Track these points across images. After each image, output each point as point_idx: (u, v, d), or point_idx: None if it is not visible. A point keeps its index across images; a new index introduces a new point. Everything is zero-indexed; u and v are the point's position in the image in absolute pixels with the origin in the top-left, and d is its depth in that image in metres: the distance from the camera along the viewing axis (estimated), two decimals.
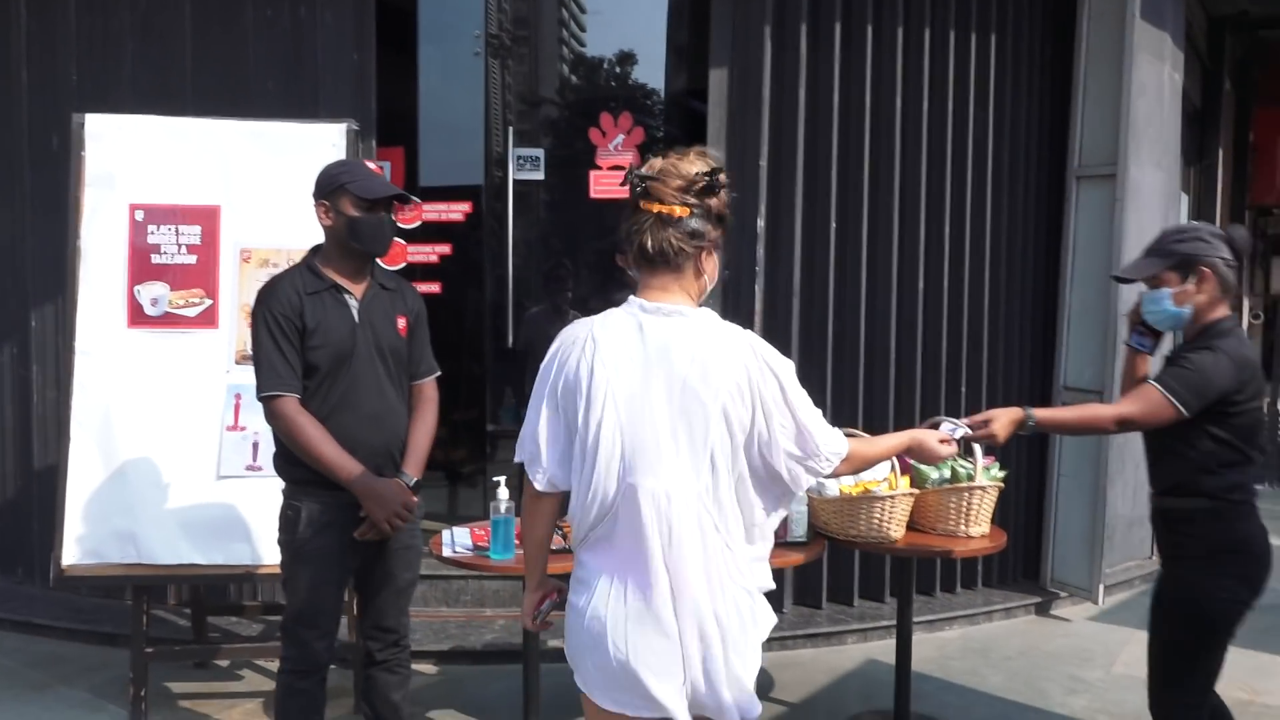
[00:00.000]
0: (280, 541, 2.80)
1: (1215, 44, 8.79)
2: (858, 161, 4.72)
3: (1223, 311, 2.59)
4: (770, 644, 4.30)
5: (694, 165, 1.93)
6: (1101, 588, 4.98)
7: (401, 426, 2.88)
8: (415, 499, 2.84)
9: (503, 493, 3.17)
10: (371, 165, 2.90)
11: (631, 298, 1.97)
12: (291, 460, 2.74)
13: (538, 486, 2.00)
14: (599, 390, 1.90)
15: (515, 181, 5.12)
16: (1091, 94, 5.05)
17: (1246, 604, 2.64)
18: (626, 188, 1.96)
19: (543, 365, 2.00)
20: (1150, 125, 5.19)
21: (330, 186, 2.77)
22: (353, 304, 2.79)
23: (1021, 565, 5.19)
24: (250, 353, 2.80)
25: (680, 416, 1.89)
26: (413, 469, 2.87)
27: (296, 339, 2.70)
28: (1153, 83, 5.22)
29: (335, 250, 2.79)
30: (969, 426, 2.69)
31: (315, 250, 2.85)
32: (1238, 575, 2.60)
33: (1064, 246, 5.14)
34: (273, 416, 2.71)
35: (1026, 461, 5.14)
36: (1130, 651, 4.46)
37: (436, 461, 5.88)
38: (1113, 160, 4.92)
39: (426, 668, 4.27)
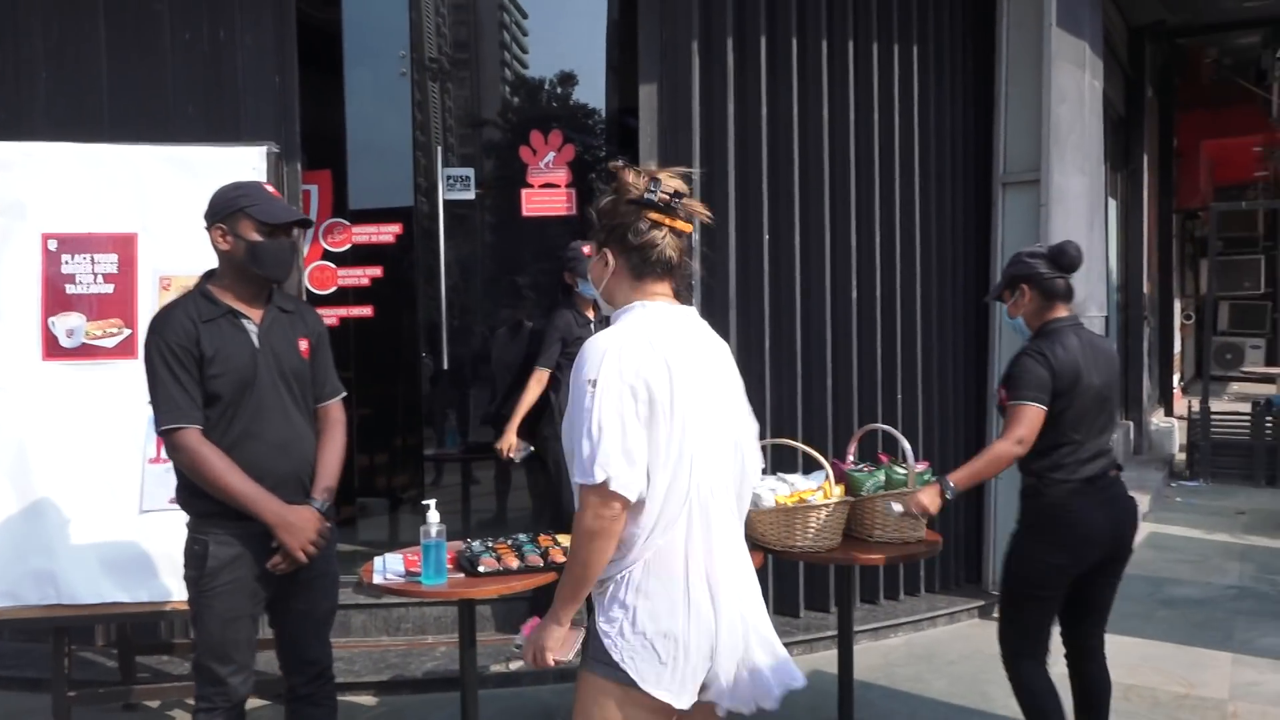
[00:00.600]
0: (187, 577, 2.73)
1: (1136, 52, 9.04)
2: (787, 172, 4.75)
3: (1055, 314, 3.12)
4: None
5: (679, 183, 2.09)
6: None
7: (310, 452, 2.82)
8: (328, 524, 2.79)
9: (433, 516, 3.11)
10: (270, 189, 2.83)
11: (649, 302, 2.07)
12: (196, 493, 2.68)
13: (631, 498, 1.92)
14: (685, 403, 1.98)
15: (446, 202, 5.07)
16: (1013, 102, 5.14)
17: (1063, 569, 3.09)
18: (643, 195, 2.04)
19: (603, 381, 1.92)
20: (1072, 132, 5.29)
21: (228, 210, 2.71)
22: (251, 329, 2.73)
23: (964, 570, 5.23)
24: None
25: (728, 414, 2.10)
26: (322, 493, 2.81)
27: (194, 368, 2.64)
28: (1073, 90, 5.33)
29: (232, 275, 2.74)
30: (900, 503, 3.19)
31: (209, 275, 2.79)
32: (1052, 543, 3.05)
33: (993, 252, 5.22)
34: (174, 450, 2.64)
35: None
36: None
37: (375, 488, 5.82)
38: (1036, 166, 5.02)
39: (366, 699, 4.18)
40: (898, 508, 3.21)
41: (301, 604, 2.82)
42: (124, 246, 3.65)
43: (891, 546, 3.45)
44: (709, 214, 2.15)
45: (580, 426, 1.93)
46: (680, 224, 2.07)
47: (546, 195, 5.00)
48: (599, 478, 1.90)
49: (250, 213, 2.68)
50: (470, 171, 5.21)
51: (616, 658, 1.97)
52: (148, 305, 3.62)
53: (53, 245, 3.61)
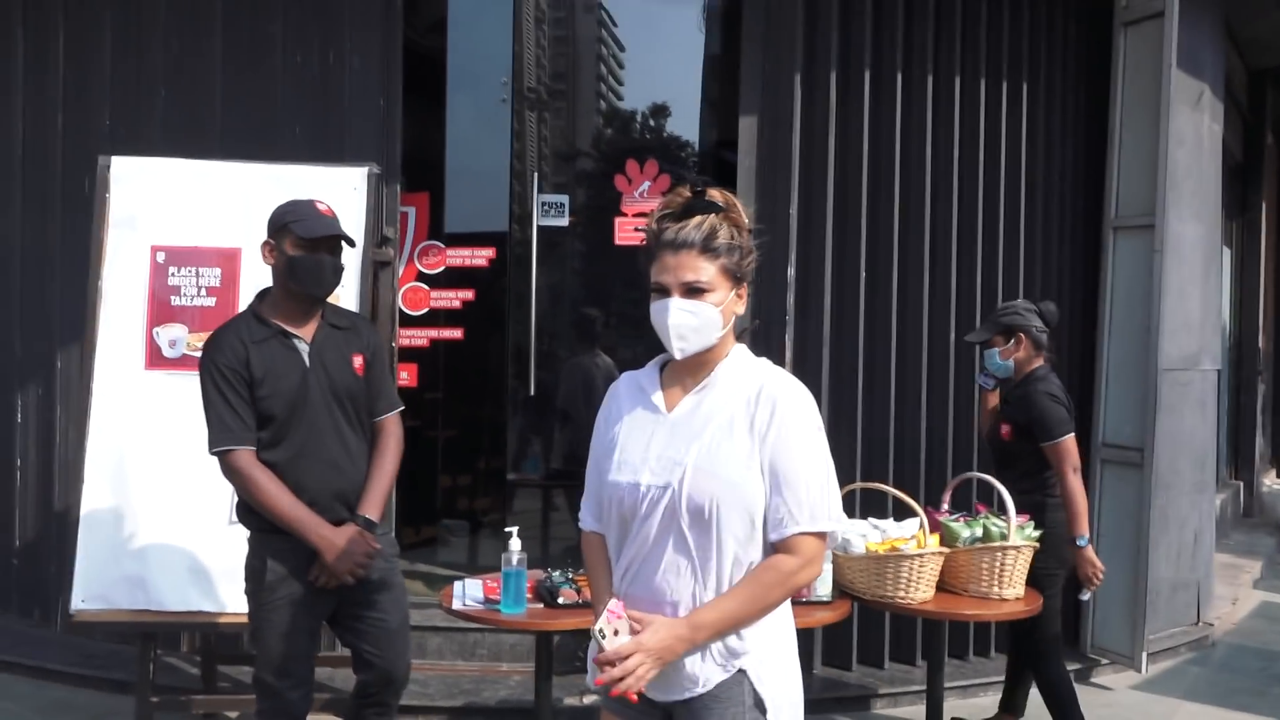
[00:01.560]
0: (247, 592, 2.77)
1: (1256, 96, 8.68)
2: (888, 211, 4.64)
3: (1037, 363, 3.69)
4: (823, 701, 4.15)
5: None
6: (1145, 655, 4.76)
7: (363, 469, 2.84)
8: (377, 544, 2.79)
9: (515, 544, 3.08)
10: (321, 206, 2.83)
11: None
12: (252, 510, 2.72)
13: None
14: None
15: (541, 228, 5.09)
16: (1128, 145, 4.94)
17: (1057, 573, 3.62)
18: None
19: (820, 425, 1.85)
20: (1189, 177, 5.06)
21: (275, 226, 2.76)
22: (302, 348, 2.76)
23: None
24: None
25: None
26: (372, 510, 2.81)
27: (245, 390, 2.67)
28: (1191, 133, 5.11)
29: (280, 293, 2.79)
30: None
31: (261, 296, 2.83)
32: (1061, 553, 3.60)
33: (1101, 299, 5.00)
34: (228, 471, 2.69)
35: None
36: None
37: (457, 510, 5.82)
38: (1150, 211, 4.79)
39: None
40: (1086, 596, 3.82)
41: (373, 616, 2.84)
42: (227, 261, 3.73)
43: (989, 603, 3.29)
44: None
45: (816, 472, 1.80)
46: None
47: (639, 224, 5.00)
48: (830, 527, 1.81)
49: (293, 228, 2.73)
50: (565, 198, 5.23)
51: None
52: None
53: (160, 257, 3.71)
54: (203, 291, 3.71)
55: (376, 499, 2.84)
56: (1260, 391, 9.03)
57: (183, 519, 3.57)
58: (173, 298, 3.70)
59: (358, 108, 4.50)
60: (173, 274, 3.71)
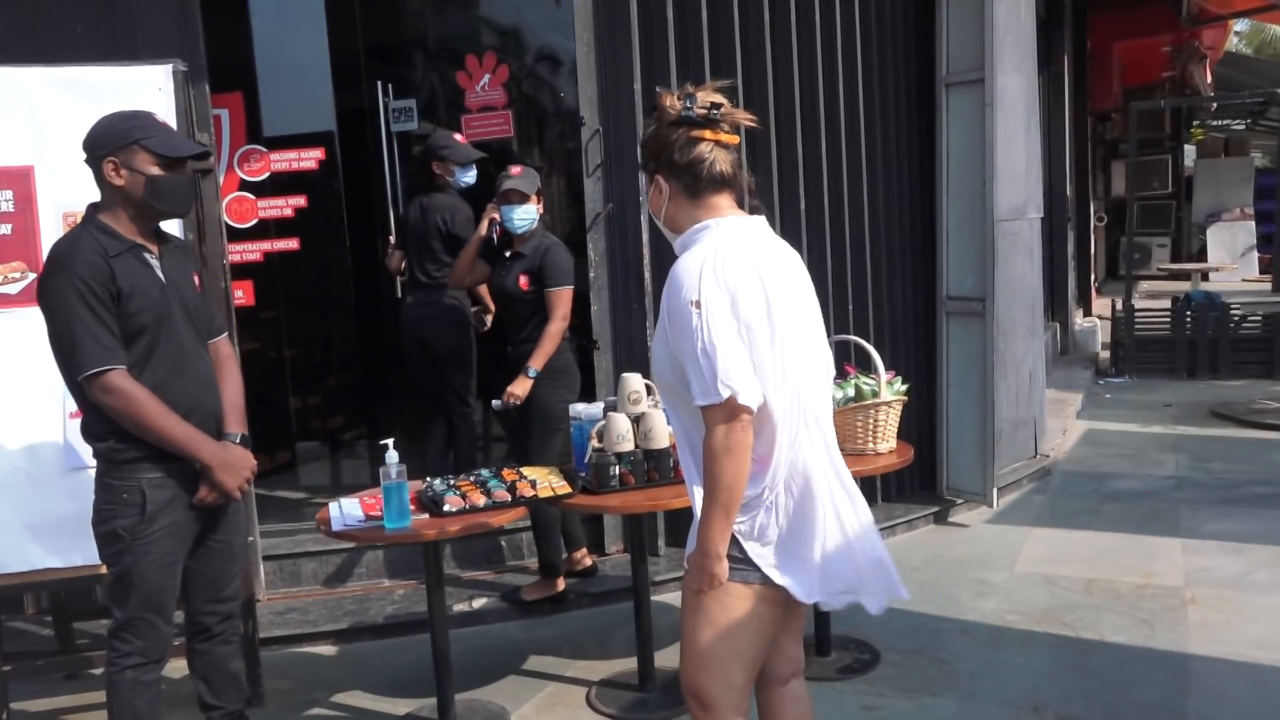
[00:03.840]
0: (117, 529, 2.58)
1: None
2: (730, 77, 4.54)
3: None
4: (666, 584, 4.24)
5: (718, 96, 2.06)
6: (995, 491, 5.09)
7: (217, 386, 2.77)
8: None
9: (392, 456, 2.94)
10: (160, 119, 2.68)
11: (720, 218, 2.06)
12: (124, 438, 2.55)
13: (754, 407, 1.93)
14: (779, 307, 2.00)
15: (392, 135, 4.95)
16: (955, 1, 5.01)
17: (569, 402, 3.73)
18: (680, 114, 2.04)
19: (705, 299, 1.93)
20: (1010, 31, 5.19)
21: (121, 142, 2.56)
22: (155, 264, 2.62)
23: (918, 477, 5.25)
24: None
25: (811, 320, 2.12)
26: (240, 426, 2.78)
27: (113, 305, 2.50)
28: None
29: (128, 210, 2.59)
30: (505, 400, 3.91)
31: (96, 208, 2.63)
32: (567, 388, 4.00)
33: (938, 155, 5.13)
34: (105, 393, 2.49)
35: (916, 374, 5.17)
36: (1029, 550, 4.58)
37: (312, 431, 5.57)
38: (979, 67, 4.90)
39: (325, 649, 4.02)
40: (497, 404, 3.92)
41: (220, 539, 2.78)
42: (20, 181, 3.30)
43: (864, 459, 3.39)
44: (754, 120, 2.12)
45: (689, 348, 1.93)
46: (725, 136, 2.06)
47: (486, 119, 4.87)
48: (724, 394, 1.90)
49: (147, 145, 2.57)
50: (412, 102, 5.13)
51: (764, 565, 2.03)
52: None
53: None
54: None
55: (240, 415, 2.80)
56: (1069, 238, 9.63)
57: (10, 471, 3.24)
58: None
59: (147, 2, 4.02)
60: None
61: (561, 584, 4.18)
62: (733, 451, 1.92)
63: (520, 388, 3.89)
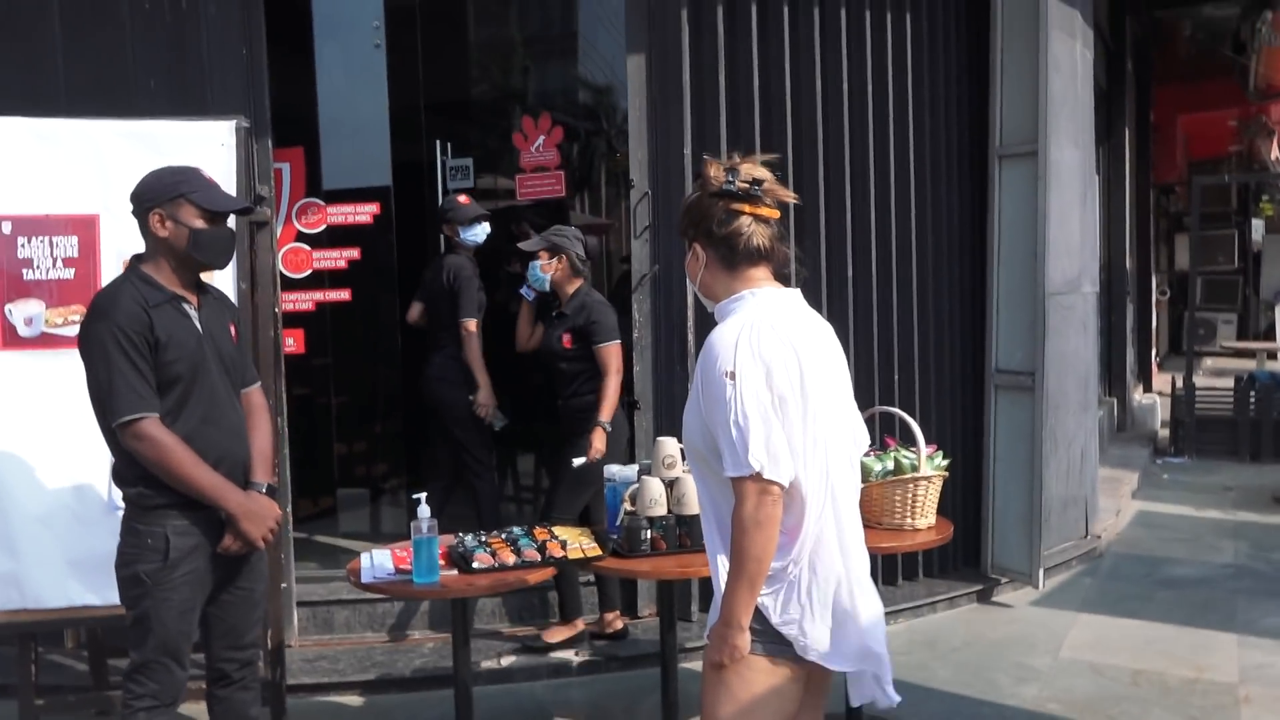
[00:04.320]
0: (140, 573, 2.63)
1: (1116, 23, 8.94)
2: (780, 146, 4.58)
3: (578, 283, 4.18)
4: (697, 651, 4.16)
5: (762, 170, 2.09)
6: (1041, 571, 4.95)
7: (248, 439, 2.84)
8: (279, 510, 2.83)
9: (423, 511, 2.96)
10: (207, 175, 2.81)
11: (756, 289, 2.08)
12: (154, 484, 2.61)
13: (785, 483, 1.95)
14: (813, 381, 2.01)
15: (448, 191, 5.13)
16: (1009, 74, 5.00)
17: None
18: (722, 187, 2.06)
19: (740, 371, 1.95)
20: (1065, 103, 5.17)
21: (168, 195, 2.67)
22: (193, 314, 2.71)
23: (962, 553, 5.13)
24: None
25: (842, 396, 2.13)
26: (267, 476, 2.83)
27: (149, 355, 2.58)
28: (1066, 60, 5.20)
29: (170, 261, 2.69)
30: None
31: (140, 259, 2.73)
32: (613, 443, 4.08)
33: (989, 227, 5.09)
34: (138, 440, 2.56)
35: (962, 447, 5.08)
36: (1075, 635, 4.43)
37: (355, 478, 5.63)
38: (1033, 139, 4.88)
39: (352, 699, 4.01)
40: (579, 462, 3.93)
41: (242, 586, 2.82)
42: (85, 229, 3.43)
43: (903, 534, 3.33)
44: (795, 198, 2.17)
45: (722, 419, 1.94)
46: (764, 210, 2.08)
47: (539, 179, 5.01)
48: (755, 467, 1.91)
49: (193, 199, 2.67)
50: (469, 161, 5.29)
51: (788, 638, 2.02)
52: None
53: (6, 228, 3.38)
54: (59, 263, 3.41)
55: (268, 465, 2.85)
56: (1129, 311, 9.45)
57: (57, 508, 3.32)
58: (25, 271, 3.38)
59: (218, 58, 4.18)
60: (23, 245, 3.38)
61: (581, 624, 4.24)
62: (762, 525, 1.92)
63: (600, 440, 4.00)
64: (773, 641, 2.02)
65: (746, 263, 2.09)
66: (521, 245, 4.18)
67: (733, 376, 1.94)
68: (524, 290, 4.35)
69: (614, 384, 4.05)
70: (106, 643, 3.83)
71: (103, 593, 3.28)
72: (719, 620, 2.01)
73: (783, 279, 2.16)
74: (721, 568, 2.05)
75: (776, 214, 2.11)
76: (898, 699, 2.11)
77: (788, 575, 2.01)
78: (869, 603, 2.10)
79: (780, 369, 1.97)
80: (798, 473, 1.97)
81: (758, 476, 1.91)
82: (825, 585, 2.03)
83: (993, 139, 5.07)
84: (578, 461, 3.95)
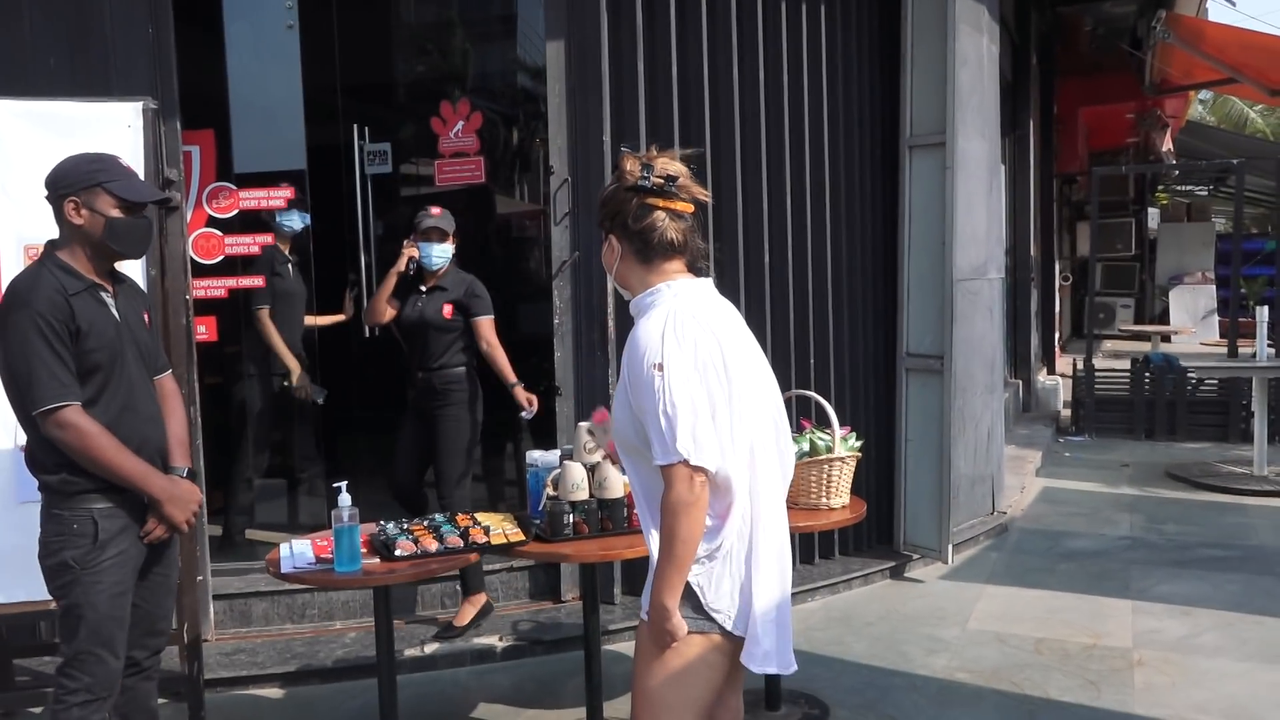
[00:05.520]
0: (67, 559, 2.59)
1: (1022, 19, 9.23)
2: (698, 134, 4.64)
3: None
4: (621, 633, 4.24)
5: (677, 165, 2.14)
6: (950, 547, 5.13)
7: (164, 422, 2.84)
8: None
9: (344, 499, 2.94)
10: (125, 164, 2.77)
11: (671, 281, 2.12)
12: (75, 471, 2.59)
13: (713, 469, 2.00)
14: (735, 368, 2.08)
15: (366, 177, 5.23)
16: (919, 66, 5.14)
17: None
18: (637, 182, 2.09)
19: (668, 362, 2.00)
20: (973, 95, 5.34)
21: (84, 184, 2.63)
22: (110, 303, 2.69)
23: (875, 531, 5.28)
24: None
25: (763, 378, 2.18)
26: (186, 460, 2.84)
27: (70, 342, 2.56)
28: (973, 54, 5.37)
29: (86, 249, 2.67)
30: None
31: (55, 245, 2.69)
32: (486, 407, 4.37)
33: (900, 215, 5.24)
34: (60, 428, 2.54)
35: (875, 429, 5.23)
36: (982, 607, 4.61)
37: (273, 468, 5.52)
38: (942, 130, 5.02)
39: (271, 691, 3.96)
40: (526, 415, 4.32)
41: (160, 571, 2.82)
42: None
43: (819, 513, 3.42)
44: (709, 196, 2.22)
45: (651, 409, 2.00)
46: (679, 205, 2.12)
47: (457, 165, 5.00)
48: (683, 454, 1.97)
49: (110, 189, 2.66)
50: (388, 146, 5.33)
51: (719, 616, 2.08)
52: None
53: None
54: None
55: (185, 449, 2.87)
56: (1033, 296, 9.80)
57: None
58: None
59: (122, 36, 4.05)
60: None
61: (484, 598, 4.34)
62: (690, 508, 1.99)
63: (524, 394, 4.32)
64: (705, 618, 2.09)
65: (660, 256, 2.14)
66: (438, 225, 4.25)
67: (661, 369, 2.00)
68: (411, 266, 4.34)
69: (501, 350, 4.29)
70: (11, 641, 3.72)
71: (8, 589, 3.20)
72: (651, 603, 2.08)
73: (696, 270, 2.21)
74: (654, 543, 2.11)
75: (691, 209, 2.15)
76: (795, 667, 2.19)
77: (719, 554, 2.08)
78: (787, 580, 2.19)
79: (705, 358, 2.04)
80: (725, 458, 2.03)
81: (685, 463, 1.97)
82: (753, 565, 2.10)
83: (903, 130, 5.21)
84: (525, 414, 4.32)
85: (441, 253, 4.26)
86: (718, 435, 2.02)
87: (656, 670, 2.09)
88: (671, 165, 2.13)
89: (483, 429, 4.41)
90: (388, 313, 4.36)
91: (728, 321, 2.16)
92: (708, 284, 2.20)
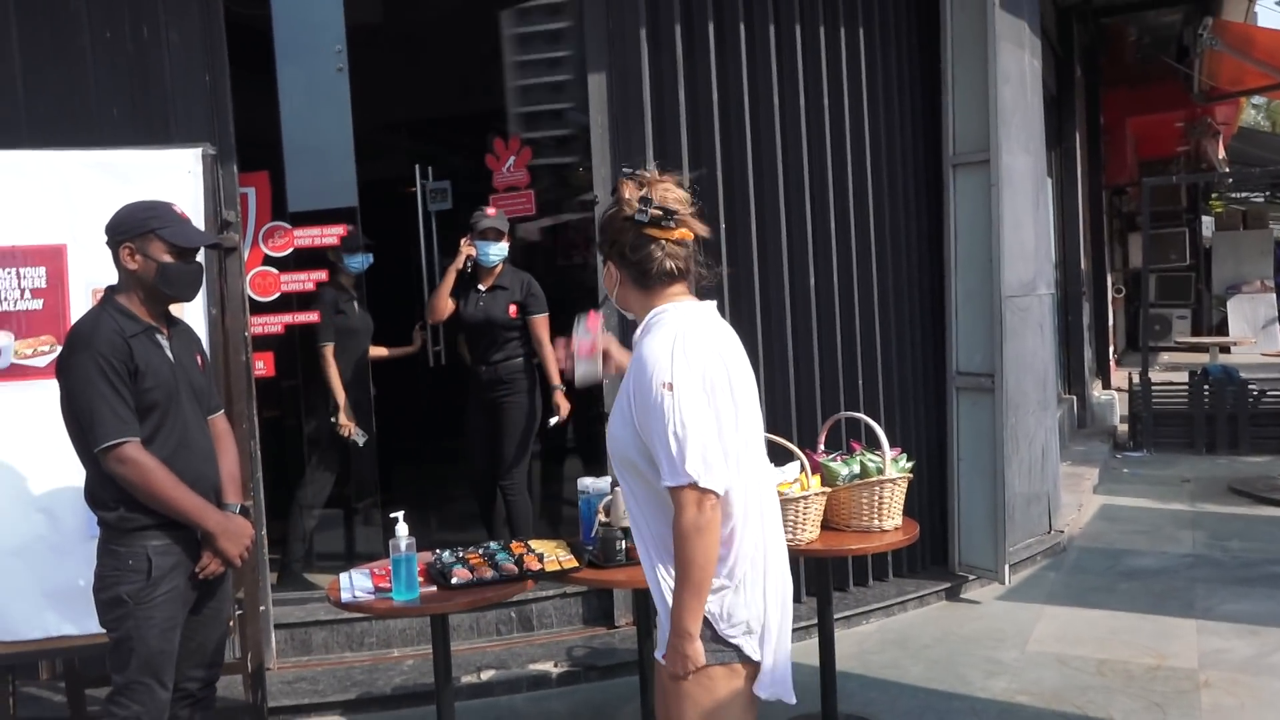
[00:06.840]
0: (122, 594, 2.70)
1: (1064, 31, 9.17)
2: (741, 161, 4.68)
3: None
4: None
5: (677, 194, 2.11)
6: (1007, 567, 5.06)
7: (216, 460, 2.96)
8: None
9: (401, 529, 2.99)
10: (178, 210, 2.89)
11: (674, 304, 2.11)
12: (134, 507, 2.70)
13: (722, 491, 1.99)
14: (739, 390, 2.09)
15: (429, 214, 5.55)
16: (960, 84, 5.14)
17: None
18: (634, 216, 2.07)
19: (677, 382, 1.98)
20: (1016, 112, 5.32)
21: (138, 230, 2.76)
22: (165, 345, 2.81)
23: (929, 552, 5.23)
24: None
25: (755, 404, 2.18)
26: (240, 497, 2.97)
27: (129, 381, 2.68)
28: (1015, 70, 5.35)
29: (141, 293, 2.79)
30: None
31: (114, 290, 2.83)
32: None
33: (946, 234, 5.22)
34: (121, 463, 2.65)
35: (926, 449, 5.19)
36: (1041, 628, 4.54)
37: (330, 499, 5.63)
38: (985, 147, 5.01)
39: (333, 719, 4.02)
40: (556, 420, 4.66)
41: (213, 605, 2.90)
42: (52, 259, 3.45)
43: (871, 536, 3.41)
44: (707, 231, 2.16)
45: (660, 429, 1.97)
46: (680, 234, 2.09)
47: (511, 199, 5.14)
48: (693, 476, 1.95)
49: (162, 235, 2.77)
50: (447, 184, 5.58)
51: (739, 643, 2.07)
52: None
53: None
54: (27, 294, 3.43)
55: (239, 486, 3.00)
56: (1086, 310, 9.66)
57: (30, 539, 3.31)
58: None
59: (181, 86, 4.21)
60: None
61: None
62: (703, 531, 1.96)
63: (563, 400, 4.62)
64: (723, 646, 2.06)
65: (660, 284, 2.12)
66: (495, 224, 4.60)
67: (671, 388, 1.96)
68: (468, 265, 4.67)
69: (550, 349, 4.56)
70: (84, 673, 3.82)
71: (80, 622, 3.29)
72: (671, 631, 2.04)
73: (699, 293, 2.19)
74: (662, 580, 2.07)
75: (690, 237, 2.11)
76: (794, 700, 2.15)
77: (729, 583, 2.06)
78: (789, 606, 2.17)
79: (714, 378, 2.03)
80: (731, 480, 2.01)
81: (695, 486, 1.94)
82: (765, 590, 2.09)
83: (946, 148, 5.20)
84: (555, 420, 4.62)
85: (498, 251, 4.57)
86: (725, 457, 2.00)
87: (688, 708, 2.05)
88: (671, 194, 2.08)
89: (539, 455, 4.64)
90: (448, 309, 4.67)
91: (730, 345, 2.16)
92: (710, 306, 2.18)
